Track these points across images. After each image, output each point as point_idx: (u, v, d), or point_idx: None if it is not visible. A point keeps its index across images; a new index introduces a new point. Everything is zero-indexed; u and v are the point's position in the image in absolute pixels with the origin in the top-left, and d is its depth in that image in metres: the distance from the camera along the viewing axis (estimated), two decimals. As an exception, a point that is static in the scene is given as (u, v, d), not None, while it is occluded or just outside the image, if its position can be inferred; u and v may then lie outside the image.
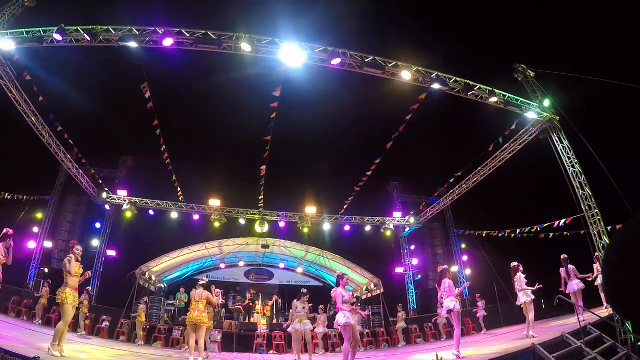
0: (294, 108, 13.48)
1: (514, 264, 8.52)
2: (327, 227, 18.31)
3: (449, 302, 7.07)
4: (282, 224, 17.95)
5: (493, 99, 11.22)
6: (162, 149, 13.71)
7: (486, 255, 16.29)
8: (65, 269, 5.80)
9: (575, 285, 9.48)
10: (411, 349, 12.79)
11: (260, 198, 16.64)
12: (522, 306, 8.28)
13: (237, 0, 14.94)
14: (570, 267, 9.65)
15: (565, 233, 13.22)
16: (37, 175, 16.58)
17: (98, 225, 17.80)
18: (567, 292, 9.63)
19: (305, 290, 9.58)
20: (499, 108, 11.66)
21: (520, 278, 8.23)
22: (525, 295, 8.10)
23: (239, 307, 16.42)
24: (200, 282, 7.87)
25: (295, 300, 9.51)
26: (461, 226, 19.22)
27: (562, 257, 9.91)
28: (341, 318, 6.13)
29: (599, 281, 10.25)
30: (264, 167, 14.28)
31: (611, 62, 12.28)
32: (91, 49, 10.37)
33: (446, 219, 20.18)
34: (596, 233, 10.33)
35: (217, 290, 13.70)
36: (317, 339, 12.19)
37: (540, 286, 8.24)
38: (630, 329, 7.46)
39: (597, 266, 10.33)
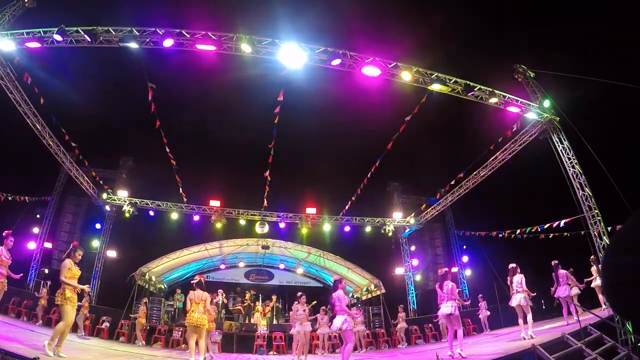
0: (294, 109, 13.47)
1: (512, 265, 8.52)
2: (327, 227, 18.30)
3: (449, 305, 7.08)
4: (282, 225, 17.94)
5: (493, 100, 11.23)
6: (163, 150, 13.72)
7: (486, 256, 16.28)
8: (61, 276, 5.72)
9: (563, 290, 9.44)
10: (412, 349, 12.79)
11: (264, 203, 16.70)
12: (517, 308, 8.26)
13: (237, 1, 14.95)
14: (562, 271, 9.62)
15: (565, 233, 13.21)
16: (37, 176, 16.60)
17: (98, 226, 17.78)
18: (555, 296, 9.59)
19: (301, 293, 9.62)
20: (499, 109, 11.66)
21: (521, 280, 8.20)
22: (524, 298, 8.09)
23: (239, 307, 16.41)
24: (194, 281, 7.75)
25: (295, 302, 9.55)
26: (461, 227, 19.23)
27: (552, 262, 9.88)
28: (342, 323, 6.14)
29: (595, 283, 10.25)
30: (267, 173, 14.30)
31: (611, 62, 12.28)
32: (91, 49, 10.38)
33: (446, 219, 20.18)
34: (596, 233, 10.33)
35: (219, 290, 13.74)
36: (317, 340, 12.19)
37: (533, 293, 8.28)
38: (631, 330, 7.46)
39: (594, 268, 10.33)
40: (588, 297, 10.24)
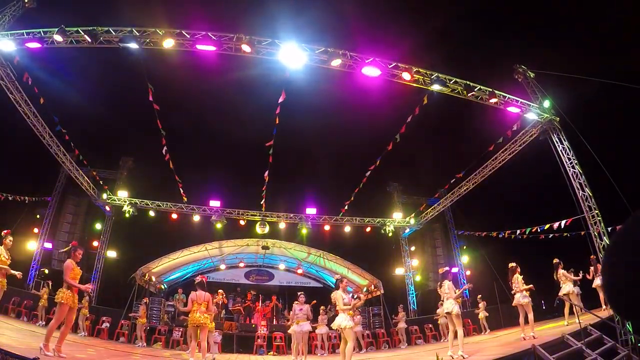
0: (294, 109, 13.49)
1: (512, 264, 8.52)
2: (327, 228, 18.31)
3: (448, 304, 7.09)
4: (282, 225, 17.95)
5: (493, 100, 11.22)
6: (163, 150, 13.72)
7: (486, 256, 16.28)
8: (65, 277, 5.70)
9: (565, 288, 9.45)
10: (412, 349, 12.78)
11: (262, 202, 16.70)
12: (518, 307, 8.25)
13: (237, 1, 14.97)
14: (561, 271, 9.62)
15: (565, 234, 13.20)
16: (37, 176, 16.61)
17: (98, 226, 17.81)
18: (560, 294, 9.59)
19: (300, 292, 9.64)
20: (499, 109, 11.66)
21: (517, 279, 8.21)
22: (522, 297, 8.08)
23: (239, 308, 16.40)
24: (196, 280, 7.78)
25: (295, 303, 9.57)
26: (461, 227, 19.22)
27: (553, 261, 9.90)
28: (343, 321, 6.14)
29: (597, 282, 10.25)
30: (266, 174, 14.29)
31: (611, 62, 12.29)
32: (91, 49, 10.39)
33: (446, 219, 20.19)
34: (596, 234, 10.33)
35: (219, 290, 13.73)
36: (317, 340, 12.19)
37: (532, 287, 8.22)
38: (631, 330, 7.46)
39: (592, 269, 10.33)
40: (588, 297, 10.23)
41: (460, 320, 7.09)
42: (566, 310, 9.39)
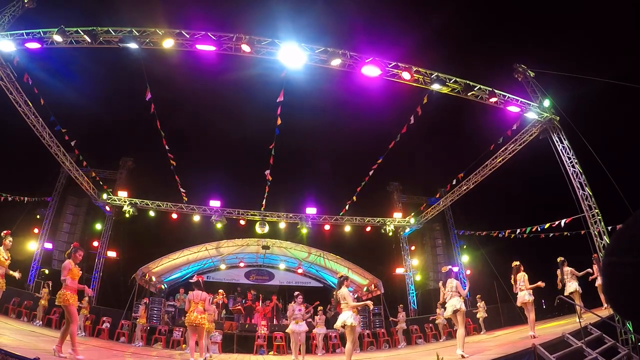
0: (294, 109, 13.49)
1: (516, 263, 8.48)
2: (327, 227, 18.31)
3: (456, 301, 7.04)
4: (282, 225, 17.95)
5: (493, 99, 11.20)
6: (163, 150, 13.73)
7: (486, 256, 16.28)
8: (62, 277, 5.72)
9: (570, 286, 9.44)
10: (412, 349, 12.78)
11: (262, 202, 16.72)
12: (522, 306, 8.23)
13: (237, 1, 14.97)
14: (567, 269, 9.61)
15: (565, 233, 13.20)
16: (37, 177, 16.61)
17: (98, 226, 17.81)
18: (566, 293, 9.59)
19: (297, 292, 9.62)
20: (499, 108, 11.65)
21: (524, 277, 8.17)
22: (528, 295, 8.06)
23: (239, 308, 16.40)
24: (192, 280, 7.80)
25: (292, 302, 9.54)
26: (461, 226, 19.21)
27: (558, 259, 9.89)
28: (348, 318, 6.08)
29: (599, 282, 10.23)
30: (267, 172, 14.29)
31: (611, 61, 12.29)
32: (91, 50, 10.39)
33: (446, 219, 20.17)
34: (596, 233, 10.33)
35: (220, 290, 13.75)
36: (316, 340, 12.19)
37: (542, 284, 8.14)
38: (631, 329, 7.46)
39: (596, 267, 10.32)
40: (590, 295, 10.23)
41: (464, 319, 7.06)
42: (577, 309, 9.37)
